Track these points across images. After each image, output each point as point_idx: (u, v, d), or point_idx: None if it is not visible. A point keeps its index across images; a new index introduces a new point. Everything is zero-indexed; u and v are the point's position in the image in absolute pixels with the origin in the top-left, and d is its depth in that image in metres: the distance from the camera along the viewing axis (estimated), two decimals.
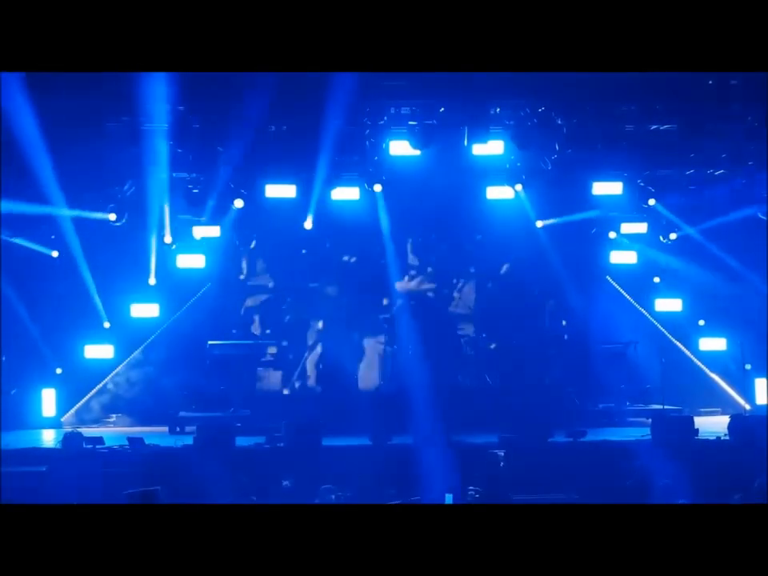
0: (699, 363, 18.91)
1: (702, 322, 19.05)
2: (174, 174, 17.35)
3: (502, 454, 13.21)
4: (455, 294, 19.50)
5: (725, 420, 15.18)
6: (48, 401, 17.85)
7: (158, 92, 14.68)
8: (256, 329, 19.01)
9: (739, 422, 14.95)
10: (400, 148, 16.42)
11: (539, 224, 19.15)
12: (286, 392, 19.40)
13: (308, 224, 18.08)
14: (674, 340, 18.99)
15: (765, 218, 17.85)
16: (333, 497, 11.86)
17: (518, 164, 17.20)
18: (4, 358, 17.51)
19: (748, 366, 17.92)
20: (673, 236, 18.95)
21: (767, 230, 17.47)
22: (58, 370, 17.94)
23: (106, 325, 18.22)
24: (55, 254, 17.93)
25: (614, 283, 19.50)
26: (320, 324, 19.63)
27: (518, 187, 17.31)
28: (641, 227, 19.05)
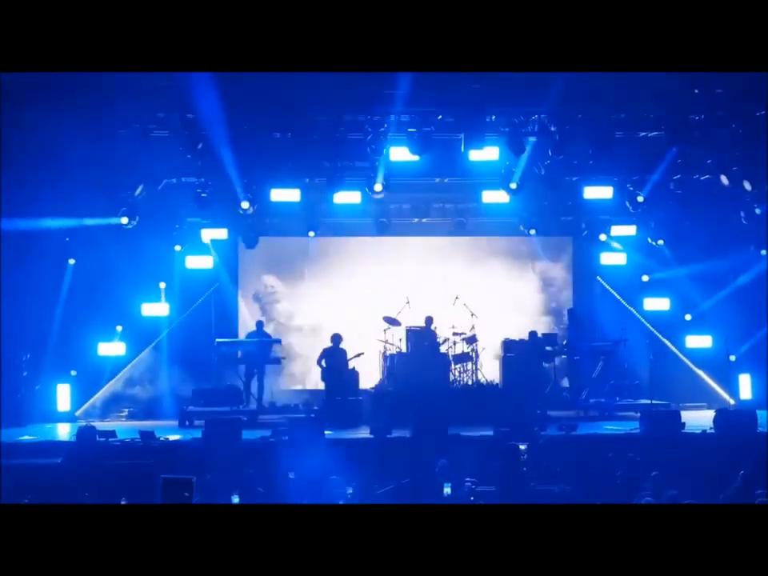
0: (686, 360, 18.94)
1: (688, 317, 19.10)
2: (183, 179, 17.45)
3: (524, 447, 13.25)
4: (452, 294, 19.54)
5: (710, 414, 15.19)
6: (63, 396, 17.90)
7: (167, 100, 14.72)
8: (262, 326, 19.07)
9: (724, 416, 14.94)
10: (400, 154, 16.46)
11: (532, 232, 19.35)
12: (290, 388, 19.46)
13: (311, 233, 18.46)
14: (661, 338, 19.02)
15: (746, 222, 17.96)
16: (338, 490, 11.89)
17: (513, 169, 17.26)
18: (28, 356, 17.58)
19: (732, 358, 17.97)
20: (660, 242, 19.09)
21: (766, 231, 17.54)
22: (73, 372, 17.99)
23: (119, 328, 18.31)
24: (72, 261, 18.02)
25: (604, 283, 19.54)
26: (322, 323, 19.69)
27: (513, 185, 17.30)
28: (630, 230, 19.14)
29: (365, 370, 17.99)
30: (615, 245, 19.29)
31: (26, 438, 15.11)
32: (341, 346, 17.59)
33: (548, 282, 19.98)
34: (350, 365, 17.51)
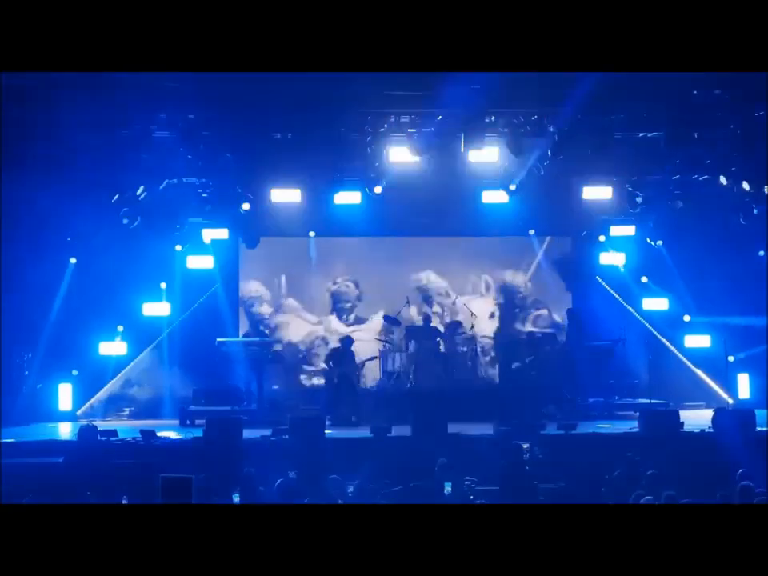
0: (684, 359, 18.90)
1: (687, 318, 19.07)
2: (184, 179, 17.42)
3: (527, 446, 13.24)
4: (452, 294, 19.53)
5: (708, 413, 15.14)
6: (64, 395, 17.88)
7: (169, 101, 14.67)
8: (262, 327, 19.04)
9: (722, 415, 14.90)
10: (400, 154, 16.42)
11: (531, 232, 19.35)
12: (290, 387, 19.46)
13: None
14: (660, 337, 18.97)
15: (744, 223, 17.97)
16: (338, 490, 11.84)
17: (512, 170, 17.22)
18: (30, 355, 17.55)
19: (731, 358, 17.93)
20: (659, 242, 19.07)
21: (766, 231, 17.55)
22: (74, 372, 17.95)
23: (120, 328, 18.28)
24: (73, 260, 17.99)
25: (603, 283, 19.51)
26: (322, 322, 19.70)
27: (512, 187, 17.32)
28: (629, 230, 19.12)
29: (365, 369, 18.01)
30: (612, 251, 19.30)
31: (20, 438, 15.03)
32: (351, 348, 17.54)
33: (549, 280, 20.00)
34: (361, 365, 17.61)
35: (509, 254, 19.89)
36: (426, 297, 19.65)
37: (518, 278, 19.87)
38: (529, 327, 19.58)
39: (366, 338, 19.09)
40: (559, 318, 19.51)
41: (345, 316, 19.68)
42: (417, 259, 19.65)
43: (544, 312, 19.69)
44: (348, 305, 19.70)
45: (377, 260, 19.56)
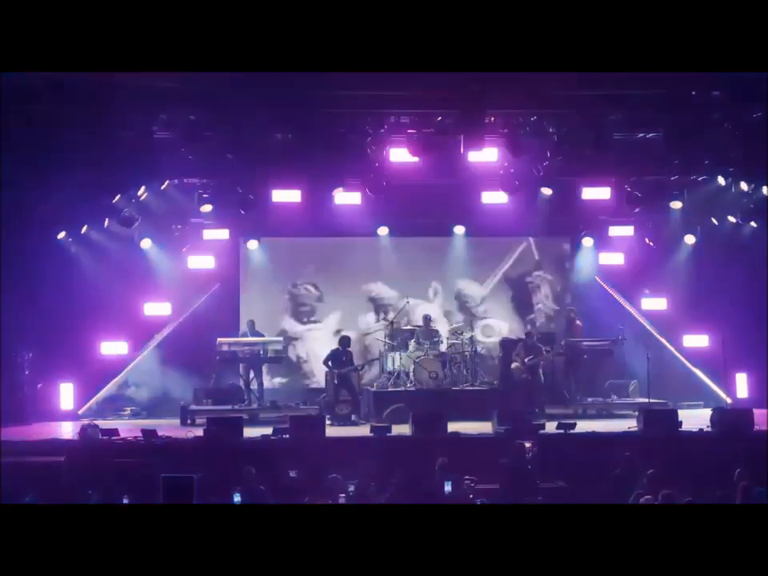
0: (683, 359, 18.88)
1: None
2: (185, 180, 17.41)
3: (529, 445, 13.23)
4: (451, 294, 19.50)
5: (707, 413, 15.15)
6: (66, 394, 17.86)
7: (169, 101, 14.65)
8: (262, 327, 19.00)
9: (720, 414, 14.90)
10: (399, 155, 16.40)
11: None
12: (291, 386, 19.43)
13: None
14: (659, 337, 18.95)
15: (743, 223, 17.97)
16: (338, 490, 11.82)
17: (512, 170, 17.19)
18: (30, 354, 17.53)
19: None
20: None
21: (766, 232, 17.50)
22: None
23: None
24: (74, 260, 17.97)
25: (602, 283, 19.49)
26: (322, 322, 19.69)
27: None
28: (628, 230, 19.10)
29: (365, 369, 18.03)
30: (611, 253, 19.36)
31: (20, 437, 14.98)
32: (348, 348, 17.52)
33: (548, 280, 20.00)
34: (361, 366, 17.60)
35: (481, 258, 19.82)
36: (381, 304, 19.65)
37: (473, 286, 19.87)
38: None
39: (324, 337, 19.20)
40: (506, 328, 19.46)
41: (303, 318, 19.68)
42: (372, 264, 19.60)
43: (491, 321, 19.72)
44: (307, 308, 19.73)
45: (343, 262, 19.52)
